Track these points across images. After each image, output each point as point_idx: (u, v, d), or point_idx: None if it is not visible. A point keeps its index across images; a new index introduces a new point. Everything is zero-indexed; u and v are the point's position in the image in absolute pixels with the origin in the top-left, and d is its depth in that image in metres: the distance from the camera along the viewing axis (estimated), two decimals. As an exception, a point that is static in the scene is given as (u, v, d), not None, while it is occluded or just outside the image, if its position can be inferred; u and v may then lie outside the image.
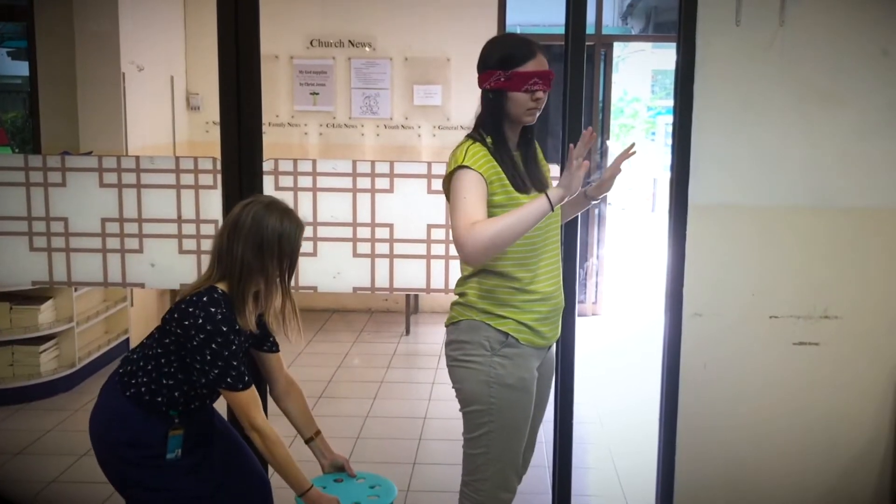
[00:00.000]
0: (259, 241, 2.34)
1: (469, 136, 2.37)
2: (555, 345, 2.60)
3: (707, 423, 3.03)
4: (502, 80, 2.31)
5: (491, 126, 2.36)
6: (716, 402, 3.02)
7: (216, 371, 2.31)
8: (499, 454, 2.39)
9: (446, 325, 2.49)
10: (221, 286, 2.35)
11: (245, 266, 2.34)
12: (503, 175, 2.31)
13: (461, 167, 2.27)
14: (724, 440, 3.04)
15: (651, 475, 3.15)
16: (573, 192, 2.21)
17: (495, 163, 2.31)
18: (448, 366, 2.47)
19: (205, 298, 2.31)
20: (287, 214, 2.40)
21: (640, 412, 4.63)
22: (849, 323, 2.97)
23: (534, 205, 2.21)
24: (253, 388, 2.38)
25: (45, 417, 4.54)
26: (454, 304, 2.47)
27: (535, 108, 2.36)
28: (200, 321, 2.28)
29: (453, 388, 2.46)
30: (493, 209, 2.29)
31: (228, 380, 2.33)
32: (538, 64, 2.33)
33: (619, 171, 2.48)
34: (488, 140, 2.34)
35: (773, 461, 3.05)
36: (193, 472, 2.44)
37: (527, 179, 2.37)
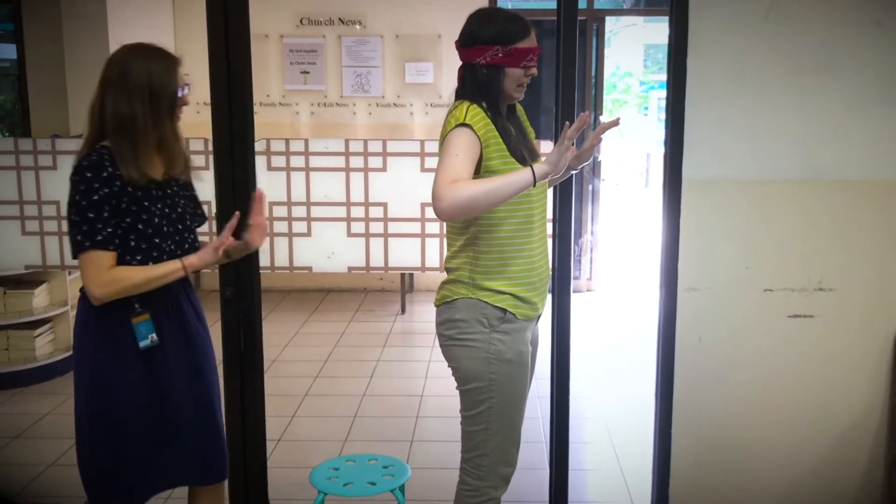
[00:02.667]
0: (127, 87, 2.27)
1: (465, 99, 2.34)
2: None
3: (702, 395, 3.04)
4: (500, 55, 2.31)
5: (484, 99, 2.34)
6: (711, 376, 3.03)
7: (72, 228, 2.22)
8: (499, 429, 2.40)
9: (437, 305, 2.48)
10: (106, 143, 2.28)
11: (119, 116, 2.26)
12: (500, 140, 2.31)
13: (462, 125, 2.26)
14: (719, 413, 3.06)
15: (647, 448, 3.16)
16: (559, 171, 2.21)
17: (493, 127, 2.30)
18: (442, 345, 2.47)
19: (84, 155, 2.26)
20: (154, 53, 2.33)
21: (635, 386, 4.66)
22: (843, 295, 2.98)
23: (518, 176, 2.20)
24: (104, 253, 2.23)
25: (41, 401, 4.54)
26: (445, 282, 2.47)
27: (525, 85, 2.38)
28: (71, 173, 2.23)
29: (449, 366, 2.46)
30: (488, 174, 2.29)
31: (79, 237, 2.21)
32: (532, 40, 2.35)
33: (600, 141, 2.46)
34: (483, 105, 2.33)
35: (768, 433, 3.07)
36: (141, 381, 2.35)
37: (525, 151, 2.38)
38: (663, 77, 3.11)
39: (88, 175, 2.22)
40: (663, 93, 2.97)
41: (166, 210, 2.37)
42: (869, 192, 2.94)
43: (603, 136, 2.46)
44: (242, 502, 3.11)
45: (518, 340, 2.39)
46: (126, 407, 2.35)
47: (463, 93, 2.38)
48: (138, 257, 2.32)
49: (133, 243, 2.30)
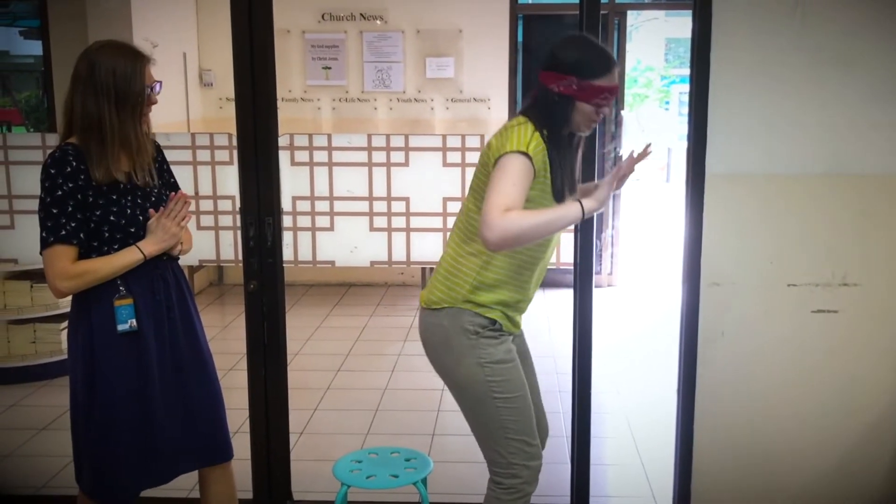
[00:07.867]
0: (95, 85, 2.26)
1: (530, 120, 2.27)
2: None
3: (725, 390, 3.03)
4: (574, 87, 2.24)
5: (550, 126, 2.28)
6: (734, 370, 3.02)
7: (40, 225, 2.24)
8: (515, 427, 2.39)
9: (426, 307, 2.41)
10: (73, 140, 2.29)
11: (87, 116, 2.26)
12: (548, 172, 2.27)
13: (524, 153, 2.19)
14: (742, 408, 3.05)
15: (669, 443, 3.16)
16: (604, 207, 2.27)
17: (546, 157, 2.26)
18: (428, 353, 2.44)
19: (52, 153, 2.28)
20: (122, 51, 2.31)
21: (657, 382, 4.65)
22: (868, 290, 2.96)
23: (569, 211, 2.21)
24: (67, 248, 2.26)
25: (67, 394, 4.59)
26: (440, 284, 2.40)
27: (596, 122, 2.33)
28: (41, 173, 2.24)
29: (437, 374, 2.44)
30: (524, 202, 2.23)
31: (44, 233, 2.24)
32: (612, 79, 2.27)
33: (633, 171, 2.40)
34: (544, 133, 2.26)
35: (791, 428, 3.06)
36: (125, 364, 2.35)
37: (567, 185, 2.33)
38: (684, 71, 3.09)
39: (52, 171, 2.23)
40: (684, 87, 2.95)
41: (138, 200, 2.36)
42: (894, 187, 2.92)
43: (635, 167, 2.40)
44: (266, 495, 3.14)
45: (504, 342, 2.39)
46: (120, 391, 2.35)
47: (530, 112, 2.31)
48: (115, 247, 2.33)
49: (107, 234, 2.31)
